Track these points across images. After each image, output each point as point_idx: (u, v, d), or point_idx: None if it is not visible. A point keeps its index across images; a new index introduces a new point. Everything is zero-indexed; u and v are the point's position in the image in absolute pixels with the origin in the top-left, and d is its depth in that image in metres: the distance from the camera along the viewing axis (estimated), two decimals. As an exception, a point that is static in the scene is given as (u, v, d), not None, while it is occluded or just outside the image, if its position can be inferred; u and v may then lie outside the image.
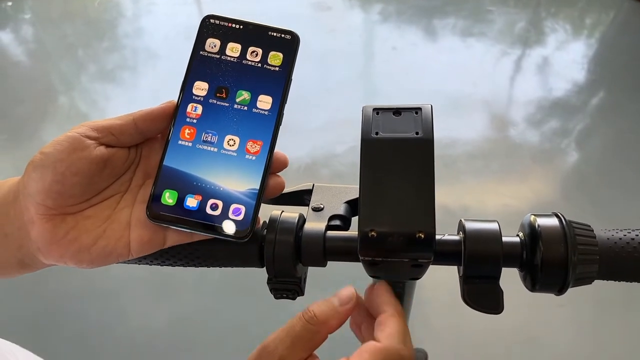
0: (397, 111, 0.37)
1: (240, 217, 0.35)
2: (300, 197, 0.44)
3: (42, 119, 2.28)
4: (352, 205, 0.42)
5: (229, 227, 0.35)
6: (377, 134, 0.36)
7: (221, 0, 3.00)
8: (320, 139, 2.01)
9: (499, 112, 2.16)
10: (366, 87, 2.42)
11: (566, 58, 2.47)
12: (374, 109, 0.37)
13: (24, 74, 2.62)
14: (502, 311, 0.35)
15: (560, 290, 0.35)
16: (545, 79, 2.34)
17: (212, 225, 0.35)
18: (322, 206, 0.41)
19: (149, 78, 2.48)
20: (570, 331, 1.37)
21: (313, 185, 0.44)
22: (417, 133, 0.35)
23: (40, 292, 1.51)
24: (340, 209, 0.41)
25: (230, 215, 0.35)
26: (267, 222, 0.38)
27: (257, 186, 0.35)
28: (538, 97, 2.21)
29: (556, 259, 0.34)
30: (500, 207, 1.72)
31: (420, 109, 0.37)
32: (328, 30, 2.75)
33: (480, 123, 2.09)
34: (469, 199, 1.76)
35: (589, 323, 1.39)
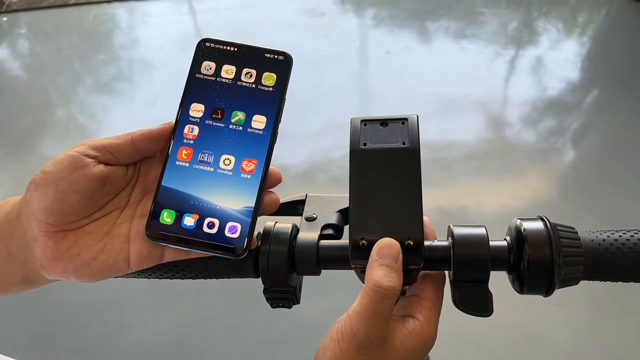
0: (384, 122, 0.38)
1: (236, 235, 0.36)
2: (294, 208, 0.45)
3: (41, 133, 2.29)
4: (344, 214, 0.43)
5: (225, 245, 0.36)
6: (365, 144, 0.37)
7: (216, 10, 3.02)
8: (316, 144, 2.02)
9: (494, 112, 2.17)
10: (361, 91, 2.44)
11: (559, 57, 2.48)
12: (362, 121, 0.38)
13: (22, 89, 2.64)
14: (491, 314, 0.36)
15: (547, 292, 0.36)
16: (539, 78, 2.36)
17: (209, 243, 0.36)
18: (315, 216, 0.42)
19: (146, 89, 2.49)
20: (567, 328, 1.38)
21: (306, 195, 0.45)
22: (403, 143, 0.36)
23: (43, 305, 1.52)
24: (333, 218, 0.42)
25: (227, 233, 0.36)
26: (261, 233, 0.39)
27: (253, 204, 0.36)
28: (533, 97, 2.23)
29: (542, 262, 0.35)
30: (497, 207, 1.73)
31: (406, 119, 0.38)
32: (322, 35, 2.77)
33: (475, 124, 2.11)
34: (467, 200, 1.77)
35: (586, 320, 1.40)
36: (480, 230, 0.37)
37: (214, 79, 0.38)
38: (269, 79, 0.38)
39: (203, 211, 0.36)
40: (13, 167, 2.11)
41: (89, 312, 1.51)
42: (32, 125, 2.32)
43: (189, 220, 0.36)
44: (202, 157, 0.37)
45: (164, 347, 1.41)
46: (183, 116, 0.38)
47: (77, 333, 1.45)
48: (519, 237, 0.36)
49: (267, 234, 0.39)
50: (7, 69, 2.81)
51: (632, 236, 0.37)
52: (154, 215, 0.36)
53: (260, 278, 0.39)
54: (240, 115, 0.37)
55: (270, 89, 0.38)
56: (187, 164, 0.37)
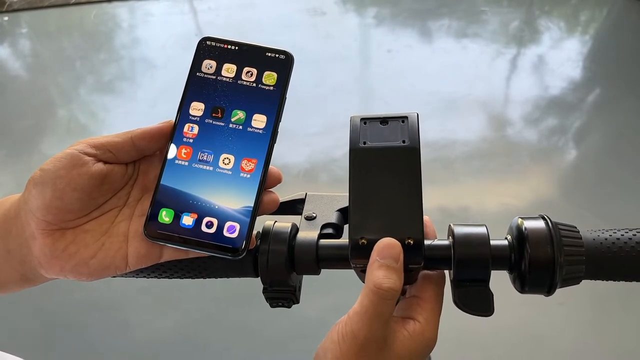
0: (384, 120, 0.37)
1: (235, 235, 0.36)
2: (294, 207, 0.44)
3: (42, 133, 2.29)
4: (344, 213, 0.42)
5: (223, 245, 0.36)
6: (365, 143, 0.36)
7: (217, 9, 3.02)
8: (318, 143, 2.02)
9: (495, 111, 2.17)
10: (363, 91, 2.44)
11: (561, 56, 2.48)
12: (362, 119, 0.38)
13: (23, 88, 2.64)
14: (492, 313, 0.35)
15: (549, 291, 0.36)
16: (541, 77, 2.35)
17: (207, 242, 0.36)
18: (314, 215, 0.42)
19: (147, 88, 2.49)
20: (570, 328, 1.38)
21: (306, 194, 0.45)
22: (403, 141, 0.36)
23: (44, 304, 1.52)
24: (333, 217, 0.42)
25: (225, 232, 0.36)
26: (261, 232, 0.39)
27: (252, 204, 0.36)
28: (534, 96, 2.22)
29: (543, 261, 0.35)
30: (499, 206, 1.73)
31: (406, 117, 0.37)
32: (323, 35, 2.76)
33: (477, 123, 2.10)
34: (468, 200, 1.77)
35: (588, 319, 1.40)
36: (481, 229, 0.36)
37: (214, 77, 0.38)
38: (270, 78, 0.37)
39: (202, 210, 0.36)
40: (14, 168, 2.11)
41: (90, 310, 1.51)
42: (33, 125, 2.32)
43: (187, 220, 0.36)
44: (202, 156, 0.37)
45: (165, 345, 1.41)
46: (183, 115, 0.37)
47: (78, 332, 1.45)
48: (520, 236, 0.36)
49: (266, 233, 0.38)
50: (8, 68, 2.81)
51: (635, 235, 0.36)
52: (153, 214, 0.36)
53: (259, 277, 0.39)
54: (240, 114, 0.37)
55: (271, 88, 0.37)
56: (186, 163, 0.37)
